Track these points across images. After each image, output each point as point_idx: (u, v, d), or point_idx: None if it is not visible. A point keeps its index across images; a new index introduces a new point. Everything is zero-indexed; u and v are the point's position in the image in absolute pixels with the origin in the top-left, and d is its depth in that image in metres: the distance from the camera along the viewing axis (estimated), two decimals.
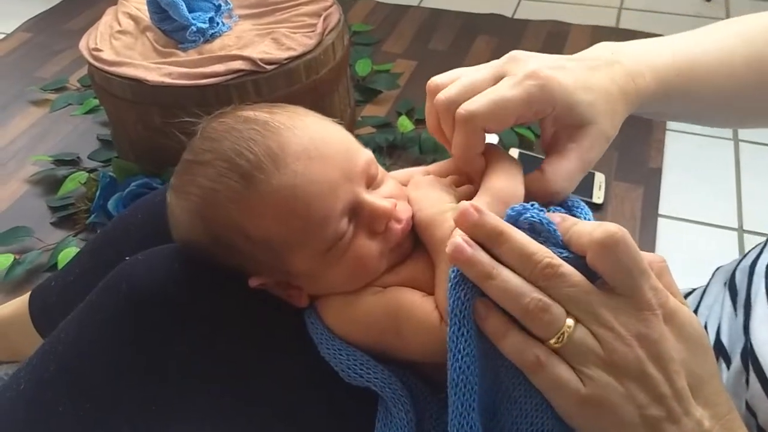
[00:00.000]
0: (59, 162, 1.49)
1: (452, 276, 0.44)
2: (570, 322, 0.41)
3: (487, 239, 0.43)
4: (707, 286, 0.65)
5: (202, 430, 0.55)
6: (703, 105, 0.59)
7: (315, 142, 0.49)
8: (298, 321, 0.54)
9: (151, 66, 1.19)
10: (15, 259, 1.26)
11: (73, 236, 1.31)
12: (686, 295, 0.67)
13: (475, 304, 0.43)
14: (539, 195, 0.49)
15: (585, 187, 1.34)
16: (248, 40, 1.25)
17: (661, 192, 1.36)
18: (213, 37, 1.26)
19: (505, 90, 0.48)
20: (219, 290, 0.54)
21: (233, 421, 0.54)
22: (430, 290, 0.49)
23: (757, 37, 0.58)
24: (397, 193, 0.53)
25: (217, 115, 0.53)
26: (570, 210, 0.50)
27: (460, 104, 0.48)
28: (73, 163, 1.49)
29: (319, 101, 1.30)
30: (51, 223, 1.35)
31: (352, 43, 1.84)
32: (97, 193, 1.29)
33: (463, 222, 0.43)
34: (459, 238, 0.43)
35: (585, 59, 0.53)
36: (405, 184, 0.55)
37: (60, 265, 1.23)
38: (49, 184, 1.45)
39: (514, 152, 1.40)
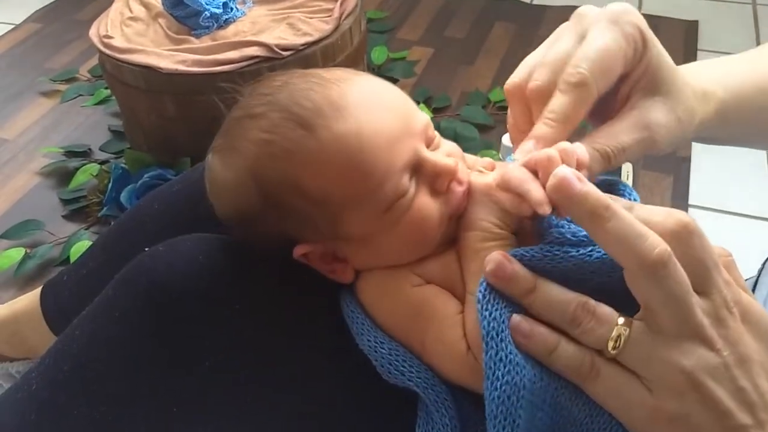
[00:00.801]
0: (70, 154, 1.46)
1: (481, 296, 0.40)
2: (624, 322, 0.37)
3: (519, 293, 0.40)
4: (758, 277, 0.61)
5: (226, 425, 0.51)
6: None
7: (376, 93, 0.47)
8: (332, 308, 0.50)
9: (164, 53, 1.15)
10: (26, 253, 1.23)
11: (85, 229, 1.28)
12: None
13: (515, 323, 0.40)
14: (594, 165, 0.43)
15: (611, 176, 1.29)
16: (263, 26, 1.21)
17: (691, 181, 1.31)
18: (227, 22, 1.22)
19: (600, 39, 0.42)
20: (246, 277, 0.50)
21: (259, 411, 0.50)
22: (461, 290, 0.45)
23: None
24: (456, 154, 0.49)
25: (267, 76, 0.50)
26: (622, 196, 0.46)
27: (558, 83, 0.42)
28: (85, 154, 1.46)
29: None
30: (62, 216, 1.32)
31: (367, 30, 1.80)
32: (110, 185, 1.26)
33: (495, 276, 0.40)
34: (499, 255, 0.40)
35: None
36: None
37: (72, 259, 1.20)
38: (60, 176, 1.41)
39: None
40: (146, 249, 0.53)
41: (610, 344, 0.37)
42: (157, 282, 0.49)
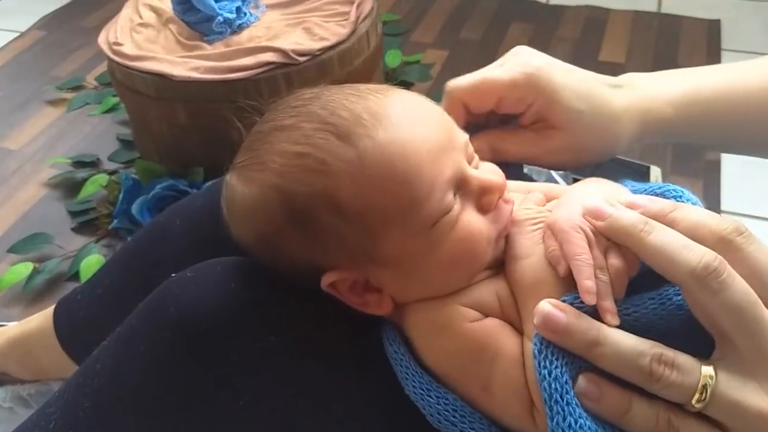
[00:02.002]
0: (78, 164, 1.42)
1: (537, 351, 0.36)
2: (708, 370, 0.33)
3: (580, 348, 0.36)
4: None
5: None
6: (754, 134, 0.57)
7: (416, 105, 0.44)
8: (375, 341, 0.46)
9: (176, 60, 1.11)
10: (34, 268, 1.19)
11: (95, 242, 1.24)
12: None
13: (582, 389, 0.35)
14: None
15: (640, 181, 1.25)
16: (278, 31, 1.17)
17: (722, 186, 1.27)
18: (240, 28, 1.18)
19: (491, 70, 0.51)
20: (281, 306, 0.46)
21: None
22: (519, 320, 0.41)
23: None
24: (498, 172, 0.46)
25: (292, 94, 0.46)
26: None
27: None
28: (93, 164, 1.42)
29: None
30: (71, 229, 1.28)
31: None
32: (120, 197, 1.22)
33: (547, 330, 0.36)
34: (548, 305, 0.36)
35: (606, 78, 0.53)
36: None
37: (82, 274, 1.16)
38: (68, 187, 1.37)
39: None
40: (172, 273, 0.49)
41: (696, 397, 0.33)
42: (187, 313, 0.44)
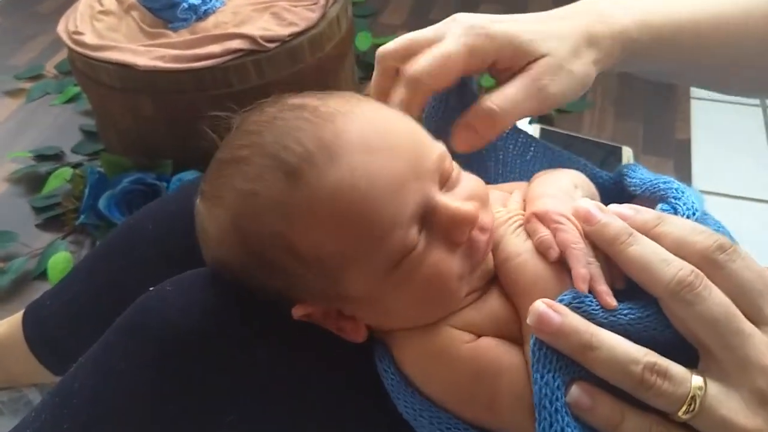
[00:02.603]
0: (40, 157, 1.37)
1: (532, 353, 0.35)
2: (698, 382, 0.33)
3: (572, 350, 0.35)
4: None
5: None
6: (718, 64, 0.55)
7: (377, 130, 0.40)
8: (365, 355, 0.45)
9: (140, 49, 1.07)
10: (0, 267, 1.15)
11: (62, 239, 1.20)
12: None
13: (574, 398, 0.35)
14: (479, 119, 0.46)
15: (613, 162, 1.25)
16: (245, 16, 1.14)
17: (693, 164, 1.28)
18: (206, 14, 1.14)
19: (445, 46, 0.47)
20: (268, 319, 0.44)
21: None
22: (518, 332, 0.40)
23: None
24: (479, 193, 0.43)
25: (258, 105, 0.44)
26: (665, 199, 0.42)
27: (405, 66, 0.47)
28: (56, 158, 1.37)
29: (324, 80, 1.20)
30: (36, 226, 1.24)
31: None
32: (86, 191, 1.18)
33: (541, 330, 0.36)
34: (543, 305, 0.35)
35: (555, 12, 0.51)
36: None
37: (50, 273, 1.12)
38: (30, 182, 1.33)
39: (535, 128, 1.31)
40: (142, 280, 0.48)
41: (684, 408, 0.33)
42: (169, 329, 0.43)
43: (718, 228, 0.42)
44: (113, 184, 1.17)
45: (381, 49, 0.50)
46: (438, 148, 0.42)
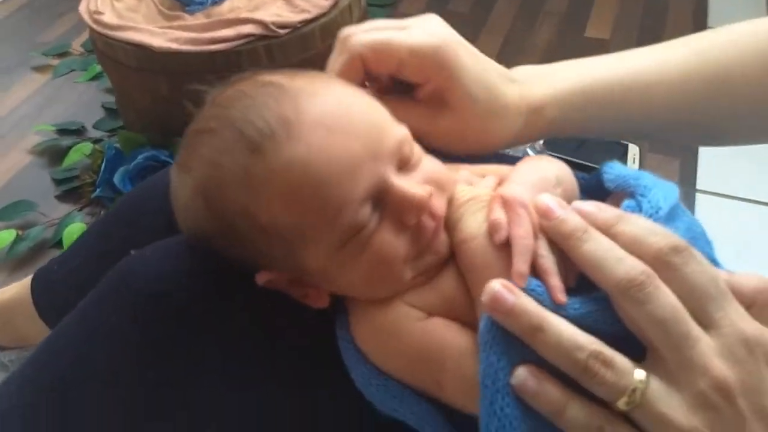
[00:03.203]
0: (63, 132, 1.43)
1: (482, 332, 0.36)
2: (641, 375, 0.34)
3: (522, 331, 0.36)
4: None
5: None
6: (655, 122, 0.54)
7: (338, 110, 0.42)
8: (329, 332, 0.47)
9: (156, 31, 1.11)
10: (18, 235, 1.20)
11: (79, 210, 1.25)
12: None
13: (519, 381, 0.35)
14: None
15: (617, 159, 1.26)
16: (259, 2, 1.17)
17: (699, 165, 1.28)
18: None
19: (396, 33, 0.47)
20: (241, 295, 0.47)
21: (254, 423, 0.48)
22: (471, 314, 0.41)
23: (712, 51, 0.53)
24: (438, 178, 0.44)
25: (232, 81, 0.46)
26: (633, 195, 0.42)
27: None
28: (78, 132, 1.43)
29: None
30: (55, 197, 1.30)
31: (368, 4, 1.74)
32: (103, 166, 1.23)
33: (494, 309, 0.36)
34: (498, 284, 0.36)
35: (505, 70, 0.51)
36: None
37: (65, 242, 1.18)
38: (52, 155, 1.38)
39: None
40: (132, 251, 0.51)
41: (624, 399, 0.34)
42: (150, 291, 0.46)
43: (691, 226, 0.42)
44: (129, 159, 1.22)
45: (353, 37, 0.48)
46: (400, 131, 0.44)
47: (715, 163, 1.29)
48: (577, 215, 0.38)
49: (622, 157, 1.26)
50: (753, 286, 0.36)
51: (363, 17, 1.27)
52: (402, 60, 0.46)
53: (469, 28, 1.68)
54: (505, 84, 0.49)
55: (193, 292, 0.46)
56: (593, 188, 0.47)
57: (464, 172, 0.47)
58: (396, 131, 0.44)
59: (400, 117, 0.45)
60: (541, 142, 1.28)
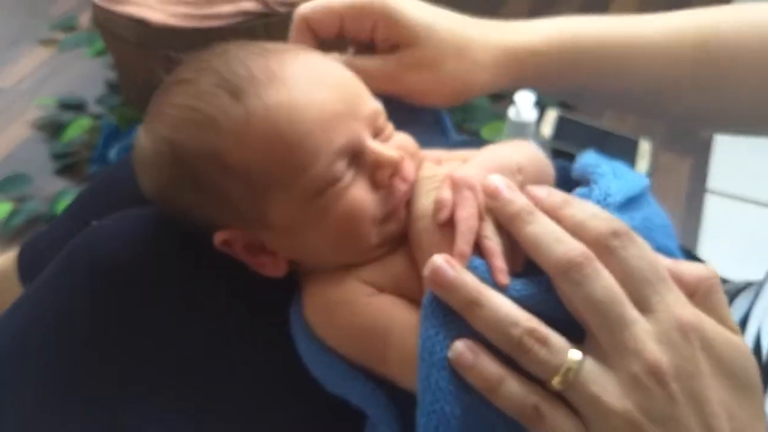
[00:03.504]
0: (64, 106, 1.42)
1: (424, 306, 0.36)
2: (575, 355, 0.33)
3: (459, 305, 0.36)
4: (763, 283, 0.55)
5: (167, 411, 0.47)
6: (636, 88, 0.54)
7: (320, 68, 0.43)
8: (285, 309, 0.45)
9: (155, 6, 1.09)
10: (13, 208, 1.20)
11: (75, 186, 1.24)
12: (738, 291, 0.57)
13: (456, 353, 0.35)
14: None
15: (627, 155, 1.22)
16: None
17: (711, 164, 1.24)
18: None
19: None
20: (196, 267, 0.45)
21: (201, 419, 0.46)
22: (419, 293, 0.40)
23: (707, 21, 0.53)
24: (408, 148, 0.44)
25: (213, 47, 0.46)
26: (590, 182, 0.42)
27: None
28: (79, 107, 1.42)
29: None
30: (53, 172, 1.29)
31: None
32: (100, 142, 1.22)
33: (434, 282, 0.36)
34: (441, 258, 0.36)
35: (475, 19, 0.52)
36: None
37: None
38: (52, 129, 1.38)
39: (552, 115, 1.28)
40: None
41: (558, 378, 0.33)
42: (100, 261, 0.45)
43: (650, 216, 0.42)
44: (126, 135, 1.21)
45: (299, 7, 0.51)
46: (375, 103, 0.44)
47: (727, 165, 1.25)
48: (523, 197, 0.38)
49: (632, 154, 1.22)
50: (696, 275, 0.35)
51: None
52: (342, 16, 0.48)
53: (482, 14, 1.64)
54: (463, 26, 0.51)
55: (147, 259, 0.45)
56: (570, 178, 0.47)
57: (435, 152, 0.46)
58: (372, 102, 0.44)
59: (365, 66, 0.47)
60: (548, 134, 1.25)
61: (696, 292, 0.35)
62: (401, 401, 0.40)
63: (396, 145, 0.43)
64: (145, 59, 1.15)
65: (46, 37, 1.62)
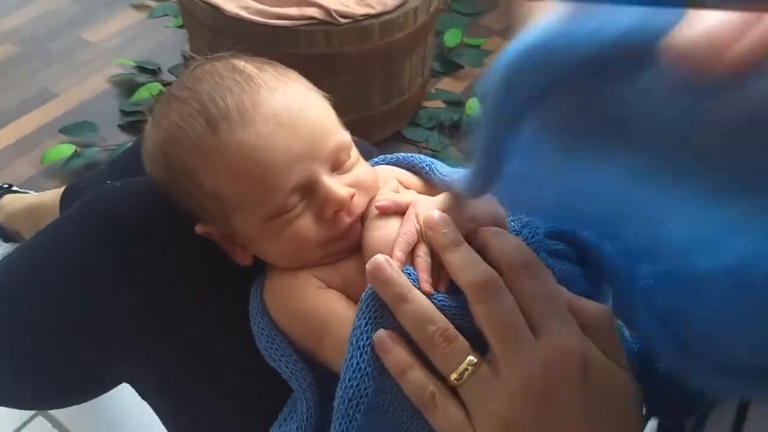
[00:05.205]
0: (141, 69, 1.55)
1: (362, 300, 0.42)
2: (473, 360, 0.39)
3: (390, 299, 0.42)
4: None
5: (154, 347, 0.56)
6: None
7: (290, 109, 0.48)
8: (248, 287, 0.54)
9: None
10: (75, 151, 1.33)
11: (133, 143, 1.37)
12: None
13: (379, 337, 0.42)
14: None
15: None
16: None
17: None
18: None
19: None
20: (183, 237, 0.54)
21: (179, 372, 0.55)
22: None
23: None
24: (364, 183, 0.51)
25: (214, 57, 0.53)
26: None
27: None
28: (153, 72, 1.55)
29: (389, 64, 1.28)
30: (118, 126, 1.42)
31: (450, 9, 1.78)
32: None
33: (373, 275, 0.42)
34: (383, 257, 0.42)
35: None
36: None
37: None
38: (126, 87, 1.51)
39: None
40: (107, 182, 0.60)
41: (455, 375, 0.39)
42: (110, 211, 0.55)
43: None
44: None
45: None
46: (341, 137, 0.50)
47: None
48: (456, 232, 0.43)
49: None
50: (590, 311, 0.41)
51: (428, 24, 1.32)
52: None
53: None
54: None
55: (146, 220, 0.54)
56: None
57: (393, 182, 0.54)
58: (337, 136, 0.50)
59: None
60: None
61: (589, 326, 0.40)
62: (325, 385, 0.47)
63: (353, 178, 0.50)
64: (214, 43, 1.26)
65: (139, 2, 1.77)
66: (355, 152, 0.52)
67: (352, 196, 0.49)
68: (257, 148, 0.47)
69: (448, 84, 1.58)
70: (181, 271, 0.54)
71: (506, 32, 1.76)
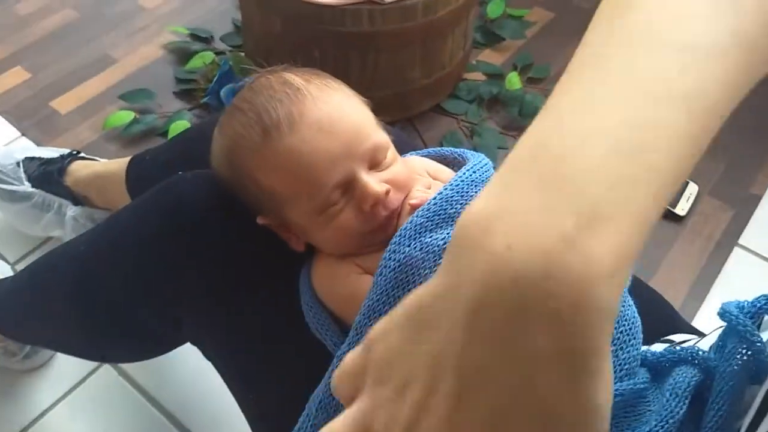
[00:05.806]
0: (194, 37, 1.62)
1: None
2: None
3: None
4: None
5: (218, 322, 0.64)
6: None
7: (331, 116, 0.56)
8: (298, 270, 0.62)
9: None
10: (135, 117, 1.42)
11: (188, 110, 1.45)
12: None
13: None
14: None
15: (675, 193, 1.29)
16: None
17: (751, 221, 1.29)
18: None
19: None
20: (245, 224, 0.62)
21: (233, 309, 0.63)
22: None
23: None
24: (399, 180, 0.58)
25: (269, 71, 0.62)
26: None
27: None
28: (206, 41, 1.62)
29: (431, 41, 1.32)
30: (173, 93, 1.50)
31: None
32: (216, 77, 1.41)
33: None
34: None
35: None
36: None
37: (170, 134, 1.38)
38: (180, 55, 1.58)
39: None
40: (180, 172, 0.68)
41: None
42: (180, 200, 0.64)
43: None
44: (237, 79, 1.39)
45: None
46: (377, 138, 0.58)
47: (767, 224, 1.29)
48: None
49: (678, 193, 1.29)
50: None
51: (471, 3, 1.35)
52: None
53: (587, 25, 1.69)
54: None
55: (212, 210, 0.62)
56: None
57: (426, 179, 0.61)
58: (373, 138, 0.58)
59: None
60: None
61: None
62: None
63: (389, 176, 0.57)
64: (265, 16, 1.32)
65: None
66: (392, 152, 0.59)
67: (388, 192, 0.56)
68: (302, 152, 0.55)
69: (489, 56, 1.61)
70: (241, 253, 0.63)
71: (547, 3, 1.77)
